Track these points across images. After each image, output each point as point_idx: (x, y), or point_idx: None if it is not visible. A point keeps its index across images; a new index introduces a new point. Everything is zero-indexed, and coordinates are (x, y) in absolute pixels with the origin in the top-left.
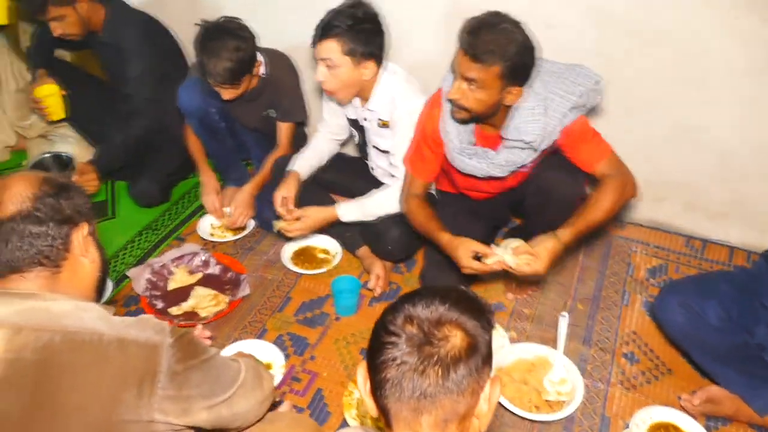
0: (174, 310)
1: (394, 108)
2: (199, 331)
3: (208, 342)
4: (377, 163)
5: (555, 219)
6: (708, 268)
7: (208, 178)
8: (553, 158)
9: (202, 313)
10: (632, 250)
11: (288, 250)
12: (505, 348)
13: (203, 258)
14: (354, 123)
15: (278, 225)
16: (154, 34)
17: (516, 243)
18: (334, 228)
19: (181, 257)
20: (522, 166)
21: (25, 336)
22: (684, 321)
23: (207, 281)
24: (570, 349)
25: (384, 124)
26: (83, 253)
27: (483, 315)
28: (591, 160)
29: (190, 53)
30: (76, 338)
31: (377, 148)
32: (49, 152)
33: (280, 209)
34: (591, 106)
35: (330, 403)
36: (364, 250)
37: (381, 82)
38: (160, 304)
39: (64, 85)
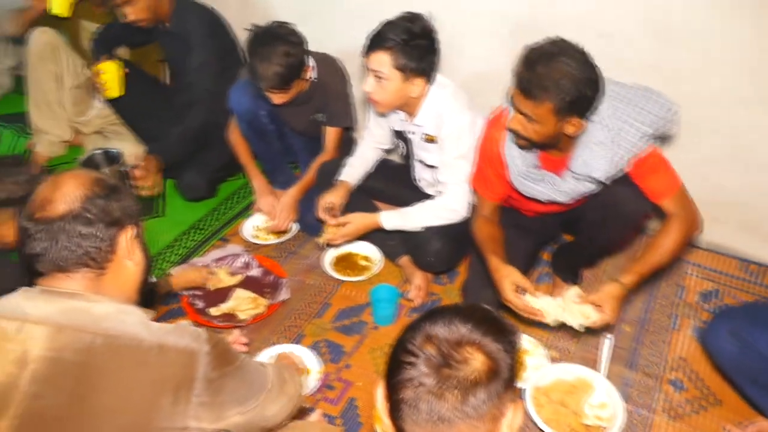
0: (213, 311)
1: (442, 123)
2: (235, 337)
3: (244, 348)
4: (422, 176)
5: (615, 236)
6: (765, 295)
7: (260, 182)
8: (619, 176)
9: (241, 315)
10: (685, 272)
11: (329, 255)
12: (544, 367)
13: (245, 260)
14: (399, 134)
15: (325, 237)
16: (218, 27)
17: (575, 294)
18: (376, 236)
19: (223, 258)
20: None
21: (66, 336)
22: (734, 350)
23: (247, 283)
24: (613, 372)
25: (429, 139)
26: (128, 255)
27: (506, 337)
28: (659, 193)
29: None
30: (116, 342)
31: (422, 162)
32: (100, 149)
33: (322, 215)
34: (664, 135)
35: (362, 414)
36: (405, 260)
37: (429, 96)
38: (200, 304)
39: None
